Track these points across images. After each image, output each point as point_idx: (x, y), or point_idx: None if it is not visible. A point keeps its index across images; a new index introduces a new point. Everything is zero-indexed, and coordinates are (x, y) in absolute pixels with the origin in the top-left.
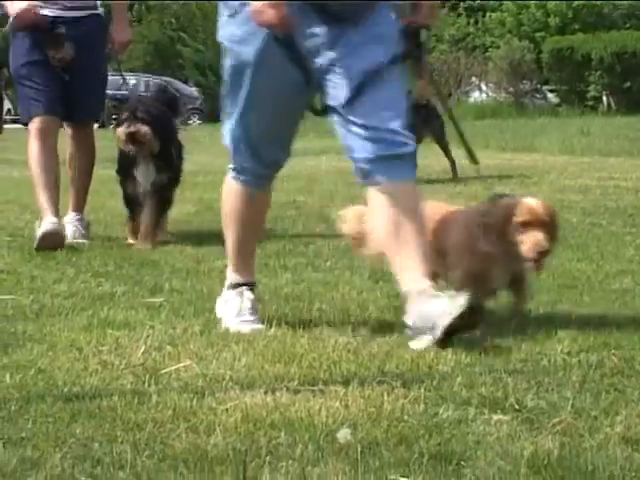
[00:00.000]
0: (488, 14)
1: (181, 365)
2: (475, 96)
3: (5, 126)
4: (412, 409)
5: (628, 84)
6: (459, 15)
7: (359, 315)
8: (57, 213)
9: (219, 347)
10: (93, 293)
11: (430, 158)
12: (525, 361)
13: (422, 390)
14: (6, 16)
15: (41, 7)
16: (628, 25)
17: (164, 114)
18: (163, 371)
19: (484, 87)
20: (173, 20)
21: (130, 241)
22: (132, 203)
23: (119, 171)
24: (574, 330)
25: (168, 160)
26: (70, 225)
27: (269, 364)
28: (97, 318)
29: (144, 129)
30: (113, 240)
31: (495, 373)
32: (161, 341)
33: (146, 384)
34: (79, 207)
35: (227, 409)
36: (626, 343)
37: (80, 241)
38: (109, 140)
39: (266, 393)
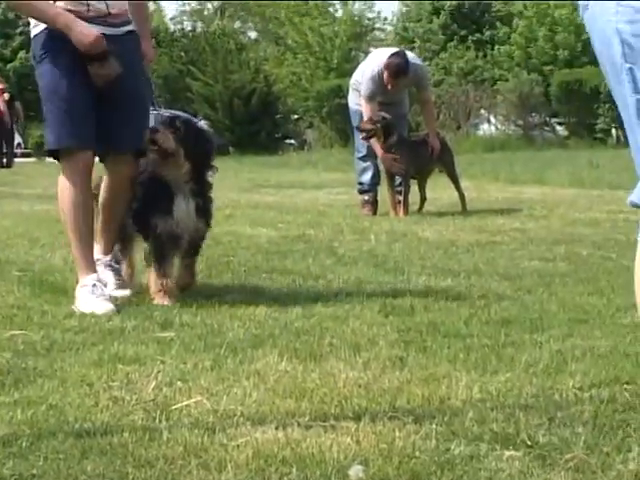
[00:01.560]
0: (496, 47)
1: (192, 401)
2: (484, 129)
3: (15, 160)
4: (424, 445)
5: None
6: (468, 48)
7: (370, 350)
8: (96, 267)
9: (230, 382)
10: (103, 328)
11: (439, 191)
12: (537, 396)
13: (434, 426)
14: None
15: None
16: None
17: (199, 128)
18: (174, 407)
19: (493, 120)
20: (182, 54)
21: (162, 300)
22: (164, 248)
23: (146, 205)
24: (585, 365)
25: (206, 197)
26: (109, 271)
27: (280, 399)
28: (108, 353)
29: (169, 137)
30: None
31: (507, 408)
32: (172, 376)
33: (157, 420)
34: (112, 248)
35: (238, 445)
36: (638, 378)
37: (124, 293)
38: None
39: (277, 429)
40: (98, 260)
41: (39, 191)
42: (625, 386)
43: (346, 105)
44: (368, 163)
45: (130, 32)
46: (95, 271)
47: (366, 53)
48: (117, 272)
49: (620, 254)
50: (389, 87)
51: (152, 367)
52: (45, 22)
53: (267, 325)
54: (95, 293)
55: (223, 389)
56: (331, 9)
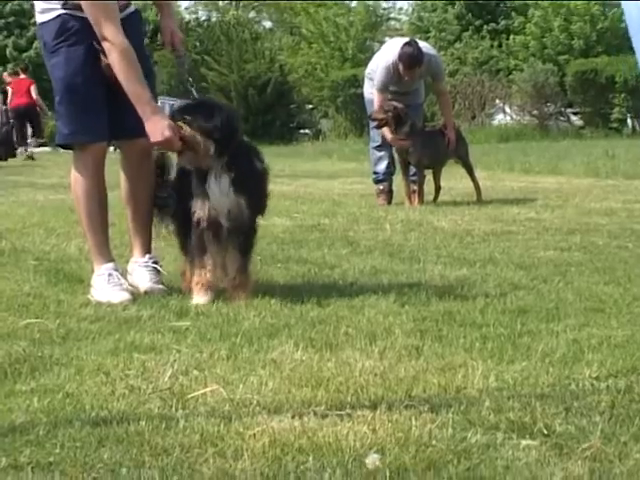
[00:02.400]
0: (512, 37)
1: (208, 390)
2: (499, 119)
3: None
4: (440, 434)
5: None
6: (482, 38)
7: (386, 339)
8: (112, 256)
9: (246, 371)
10: (119, 317)
11: (454, 180)
12: (553, 385)
13: (450, 414)
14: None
15: None
16: None
17: (209, 103)
18: (190, 395)
19: (508, 110)
20: (197, 43)
21: (199, 299)
22: (201, 235)
23: (174, 191)
24: (602, 354)
25: (247, 172)
26: (144, 270)
27: (296, 388)
28: (124, 342)
29: (188, 131)
30: None
31: (523, 398)
32: (188, 365)
33: (173, 409)
34: (149, 247)
35: (254, 434)
36: None
37: (160, 287)
38: None
39: (293, 417)
40: (135, 262)
41: (54, 180)
42: None
43: (361, 95)
44: (383, 153)
45: (135, 11)
46: (111, 260)
47: (381, 43)
48: (154, 271)
49: (636, 243)
50: (406, 78)
51: (168, 356)
52: (128, 95)
53: (283, 314)
54: (111, 282)
55: (239, 378)
56: None
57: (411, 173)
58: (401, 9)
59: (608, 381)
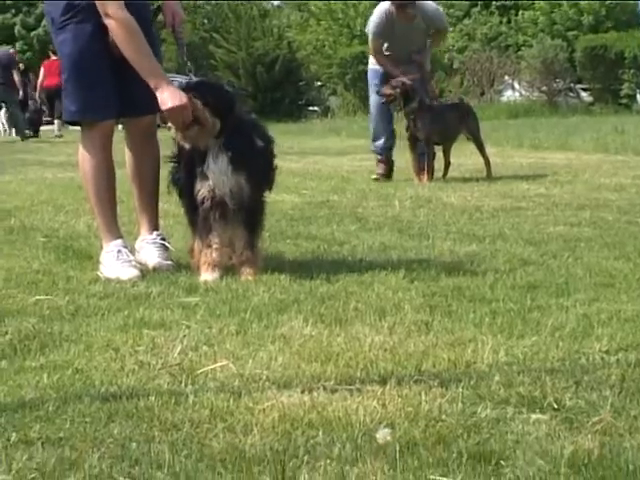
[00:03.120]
0: (521, 13)
1: (217, 365)
2: (508, 95)
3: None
4: (450, 408)
5: None
6: (491, 14)
7: (395, 314)
8: (120, 233)
9: (255, 347)
10: (128, 293)
11: (463, 157)
12: (563, 360)
13: (460, 389)
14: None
15: None
16: None
17: (216, 82)
18: (199, 371)
19: (517, 86)
20: (205, 21)
21: (206, 276)
22: (206, 213)
23: (175, 173)
24: (612, 328)
25: (246, 150)
26: (152, 246)
27: (306, 363)
28: (133, 318)
29: (198, 105)
30: None
31: (533, 372)
32: (197, 341)
33: (183, 384)
34: (156, 224)
35: (264, 409)
36: None
37: (168, 263)
38: None
39: (303, 392)
40: (143, 240)
41: (63, 158)
42: None
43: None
44: (381, 126)
45: None
46: (119, 237)
47: None
48: (162, 247)
49: None
50: (402, 22)
51: (177, 332)
52: (139, 70)
53: (292, 290)
54: (120, 259)
55: (248, 353)
56: None
57: (420, 151)
58: None
59: (618, 355)
